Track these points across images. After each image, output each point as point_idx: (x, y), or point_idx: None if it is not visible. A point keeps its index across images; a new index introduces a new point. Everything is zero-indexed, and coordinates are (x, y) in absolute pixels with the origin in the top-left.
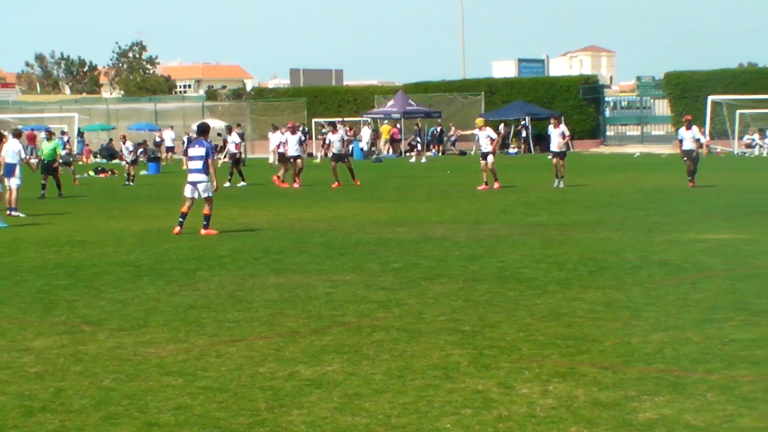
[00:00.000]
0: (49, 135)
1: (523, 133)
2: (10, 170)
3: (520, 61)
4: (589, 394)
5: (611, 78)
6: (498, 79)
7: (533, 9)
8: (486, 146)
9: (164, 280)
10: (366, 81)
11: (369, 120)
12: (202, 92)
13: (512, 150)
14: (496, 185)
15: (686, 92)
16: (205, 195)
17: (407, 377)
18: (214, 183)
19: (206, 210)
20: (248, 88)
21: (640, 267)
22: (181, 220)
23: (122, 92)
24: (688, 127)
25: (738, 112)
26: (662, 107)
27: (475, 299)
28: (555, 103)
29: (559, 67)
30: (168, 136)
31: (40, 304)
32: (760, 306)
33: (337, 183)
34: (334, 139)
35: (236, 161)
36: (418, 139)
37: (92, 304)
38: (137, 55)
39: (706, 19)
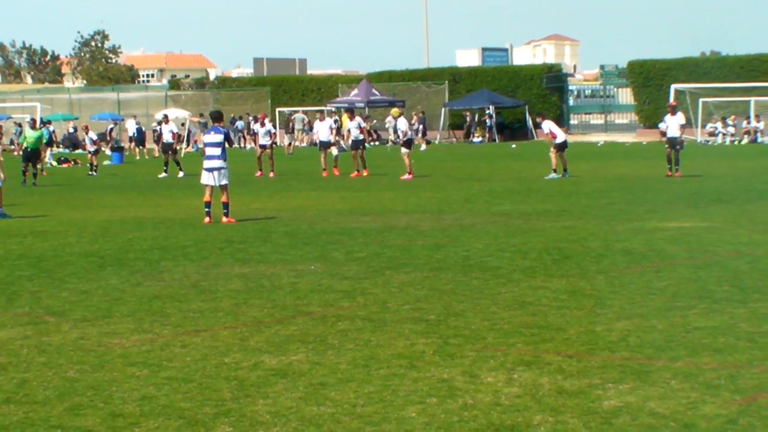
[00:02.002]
0: (33, 123)
1: (488, 122)
2: None
3: (484, 50)
4: (553, 382)
5: (575, 67)
6: (462, 68)
7: None
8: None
9: (128, 270)
10: (330, 70)
11: (333, 109)
12: (165, 81)
13: (476, 139)
14: (408, 176)
15: (649, 81)
16: (223, 182)
17: (372, 366)
18: None
19: (224, 198)
20: (212, 77)
21: (603, 255)
22: (207, 210)
23: (85, 82)
24: (673, 113)
25: (701, 100)
26: (626, 96)
27: (440, 288)
28: (519, 92)
29: (522, 56)
30: (131, 126)
31: (3, 295)
32: (723, 294)
33: (326, 172)
34: (352, 126)
35: (173, 151)
36: (421, 127)
37: (55, 295)
38: (100, 45)
39: (670, 8)
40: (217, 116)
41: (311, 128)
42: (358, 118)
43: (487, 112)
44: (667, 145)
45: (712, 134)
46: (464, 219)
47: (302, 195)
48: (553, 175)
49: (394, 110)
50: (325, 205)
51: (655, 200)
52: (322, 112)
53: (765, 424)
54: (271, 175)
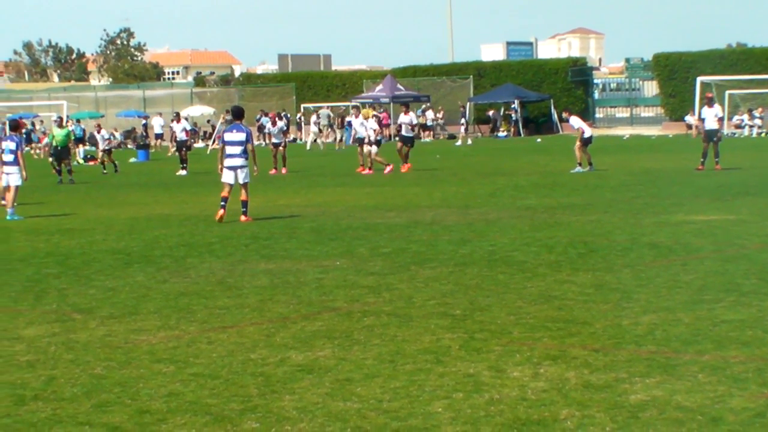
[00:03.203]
0: (60, 121)
1: (513, 117)
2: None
3: (509, 44)
4: (580, 376)
5: (600, 60)
6: (486, 63)
7: None
8: (368, 134)
9: (154, 267)
10: (354, 66)
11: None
12: (190, 79)
13: (502, 133)
14: (368, 171)
15: (675, 73)
16: (244, 181)
17: (398, 362)
18: (255, 168)
19: (243, 196)
20: (236, 74)
21: (629, 249)
22: (223, 203)
23: (110, 79)
24: (710, 105)
25: (727, 92)
26: (651, 89)
27: (466, 283)
28: (543, 86)
29: (547, 50)
30: (157, 123)
31: (31, 292)
32: (750, 287)
33: (402, 165)
34: (405, 121)
35: (188, 148)
36: (463, 120)
37: (83, 293)
38: (125, 42)
39: (695, 0)
40: (238, 113)
41: (343, 124)
42: (411, 114)
43: (513, 106)
44: (704, 139)
45: (738, 126)
46: (490, 213)
47: (327, 191)
48: (578, 168)
49: (365, 111)
50: (351, 200)
51: (682, 193)
52: (357, 108)
53: None
54: (284, 171)
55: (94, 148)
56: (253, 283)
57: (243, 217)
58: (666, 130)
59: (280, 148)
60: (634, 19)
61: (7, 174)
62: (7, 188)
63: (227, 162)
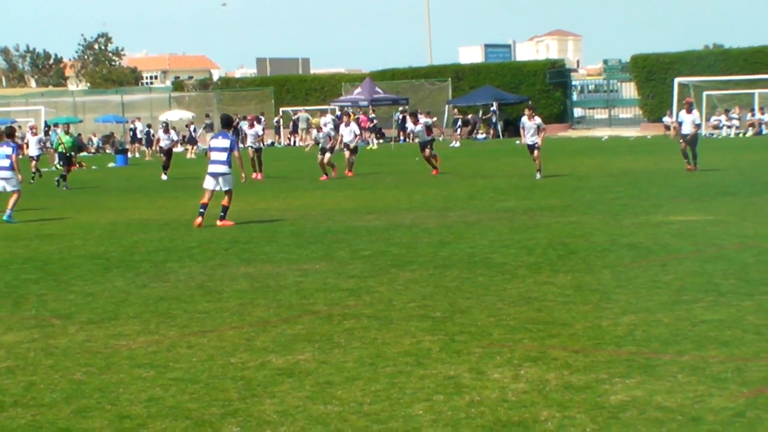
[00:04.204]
0: (68, 128)
1: (492, 119)
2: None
3: (487, 46)
4: (560, 377)
5: (578, 62)
6: (465, 65)
7: None
8: (325, 143)
9: (134, 272)
10: (333, 69)
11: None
12: (168, 83)
13: (481, 135)
14: (324, 178)
15: (653, 75)
16: (226, 188)
17: (379, 364)
18: (242, 176)
19: (225, 201)
20: (215, 78)
21: (609, 250)
22: (202, 210)
23: (88, 84)
24: (689, 110)
25: (705, 93)
26: (629, 90)
27: (446, 285)
28: (522, 88)
29: (525, 52)
30: (140, 128)
31: (10, 298)
32: (729, 287)
33: (436, 170)
34: (418, 129)
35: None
36: (459, 123)
37: (62, 298)
38: (103, 47)
39: (673, 1)
40: (226, 122)
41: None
42: (422, 120)
43: (492, 109)
44: (681, 141)
45: (716, 127)
46: (469, 216)
47: (307, 194)
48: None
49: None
50: (330, 204)
51: (661, 194)
52: (348, 115)
53: None
54: (259, 176)
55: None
56: (233, 287)
57: (219, 222)
58: (644, 132)
59: (249, 150)
60: (611, 21)
61: (3, 179)
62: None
63: (210, 168)
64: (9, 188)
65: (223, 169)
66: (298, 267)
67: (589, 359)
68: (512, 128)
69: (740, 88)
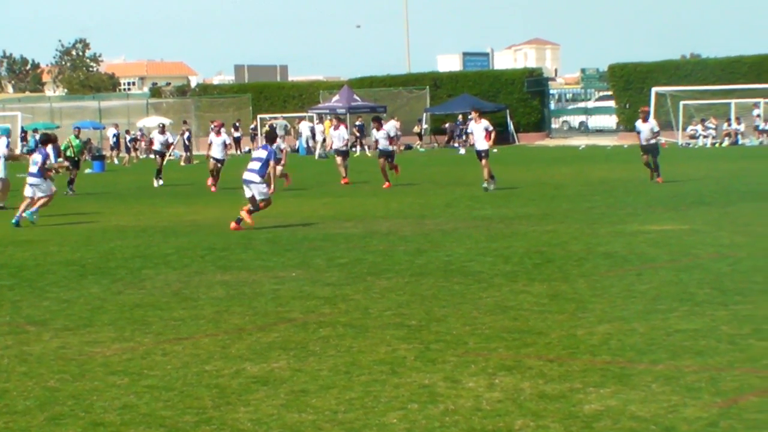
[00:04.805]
0: (78, 132)
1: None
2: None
3: (465, 54)
4: (535, 386)
5: (556, 70)
6: (443, 73)
7: (477, 2)
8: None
9: (109, 278)
10: (311, 76)
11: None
12: (146, 89)
13: (458, 144)
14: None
15: (630, 84)
16: (259, 198)
17: (354, 373)
18: (271, 188)
19: (261, 204)
20: (193, 84)
21: (585, 259)
22: (251, 208)
23: (66, 90)
24: (645, 119)
25: (682, 103)
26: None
27: (422, 294)
28: (500, 97)
29: (503, 60)
30: (112, 134)
31: None
32: (704, 296)
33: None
34: (379, 136)
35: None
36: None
37: (36, 304)
38: (80, 53)
39: (650, 11)
40: (270, 137)
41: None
42: (386, 126)
43: (469, 117)
44: (642, 152)
45: (693, 137)
46: (446, 224)
47: (284, 201)
48: (486, 184)
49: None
50: (307, 211)
51: (637, 203)
52: (339, 119)
53: (746, 427)
54: (213, 189)
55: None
56: (208, 294)
57: (242, 211)
58: (621, 141)
59: (219, 164)
60: (589, 30)
61: (31, 185)
62: (32, 199)
63: (243, 175)
64: (39, 194)
65: (253, 177)
66: (274, 274)
67: (563, 368)
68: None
69: (717, 97)
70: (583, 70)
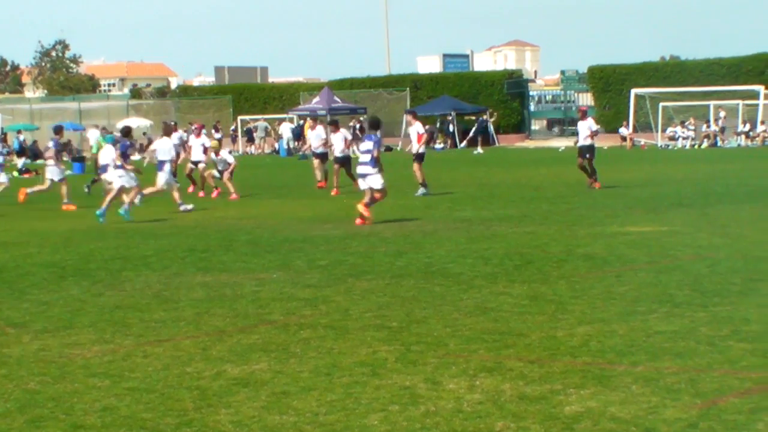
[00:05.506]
0: (105, 131)
1: (450, 129)
2: (160, 166)
3: (445, 56)
4: (515, 388)
5: (535, 72)
6: (423, 75)
7: (457, 4)
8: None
9: (89, 280)
10: (291, 78)
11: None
12: (126, 91)
13: (438, 145)
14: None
15: (610, 86)
16: (375, 187)
17: (334, 374)
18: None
19: (377, 195)
20: (173, 86)
21: (565, 260)
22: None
23: (45, 91)
24: (584, 118)
25: (661, 104)
26: (586, 101)
27: (402, 295)
28: (480, 98)
29: (483, 62)
30: (93, 136)
31: None
32: (683, 298)
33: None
34: (334, 137)
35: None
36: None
37: (16, 306)
38: (60, 54)
39: (629, 13)
40: (373, 124)
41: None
42: (343, 130)
43: (450, 118)
44: (578, 154)
45: (672, 138)
46: (426, 225)
47: (264, 203)
48: (422, 190)
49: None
50: (287, 212)
51: (616, 205)
52: (315, 120)
53: (725, 428)
54: (201, 194)
55: (29, 161)
56: (189, 296)
57: (361, 205)
58: (601, 142)
59: (200, 165)
60: (569, 32)
61: (119, 177)
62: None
63: (358, 169)
64: (122, 184)
65: (367, 169)
66: (255, 276)
67: (544, 370)
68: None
69: (696, 99)
70: (562, 72)
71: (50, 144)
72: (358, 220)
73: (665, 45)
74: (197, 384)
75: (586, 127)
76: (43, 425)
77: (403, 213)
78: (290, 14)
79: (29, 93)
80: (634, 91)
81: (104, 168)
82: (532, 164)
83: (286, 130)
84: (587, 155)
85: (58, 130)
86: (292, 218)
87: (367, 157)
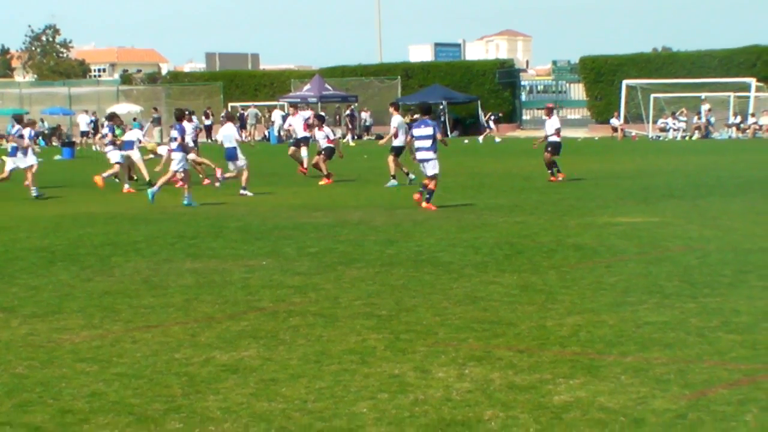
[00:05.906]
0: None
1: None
2: (231, 154)
3: (437, 45)
4: (504, 377)
5: (527, 62)
6: (414, 64)
7: None
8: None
9: (78, 266)
10: (282, 65)
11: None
12: (116, 76)
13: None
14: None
15: (601, 76)
16: (431, 173)
17: (323, 362)
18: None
19: (431, 185)
20: (164, 72)
21: (555, 250)
22: (421, 189)
23: (35, 76)
24: (549, 115)
25: (652, 96)
26: (578, 91)
27: (392, 284)
28: (471, 88)
29: (475, 51)
30: (83, 121)
31: None
32: (673, 289)
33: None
34: (320, 137)
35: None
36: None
37: (5, 291)
38: (50, 39)
39: (622, 4)
40: (426, 109)
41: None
42: (300, 114)
43: (441, 107)
44: (545, 149)
45: (663, 130)
46: (416, 214)
47: (254, 190)
48: (393, 182)
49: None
50: (277, 200)
51: (607, 196)
52: (295, 106)
53: (714, 419)
54: (206, 181)
55: None
56: (178, 282)
57: (424, 204)
58: (592, 133)
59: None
60: (561, 22)
61: (177, 161)
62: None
63: (418, 155)
64: (173, 168)
65: (428, 155)
66: (245, 263)
67: (533, 359)
68: (460, 127)
69: (687, 91)
70: (554, 62)
71: (173, 132)
72: (425, 204)
73: (657, 36)
74: (186, 370)
75: (551, 125)
76: (30, 410)
77: (394, 201)
78: (282, 1)
79: (19, 77)
80: (625, 82)
81: (130, 144)
82: (523, 154)
83: (277, 117)
84: (554, 151)
85: (180, 116)
86: (282, 205)
87: (427, 143)
